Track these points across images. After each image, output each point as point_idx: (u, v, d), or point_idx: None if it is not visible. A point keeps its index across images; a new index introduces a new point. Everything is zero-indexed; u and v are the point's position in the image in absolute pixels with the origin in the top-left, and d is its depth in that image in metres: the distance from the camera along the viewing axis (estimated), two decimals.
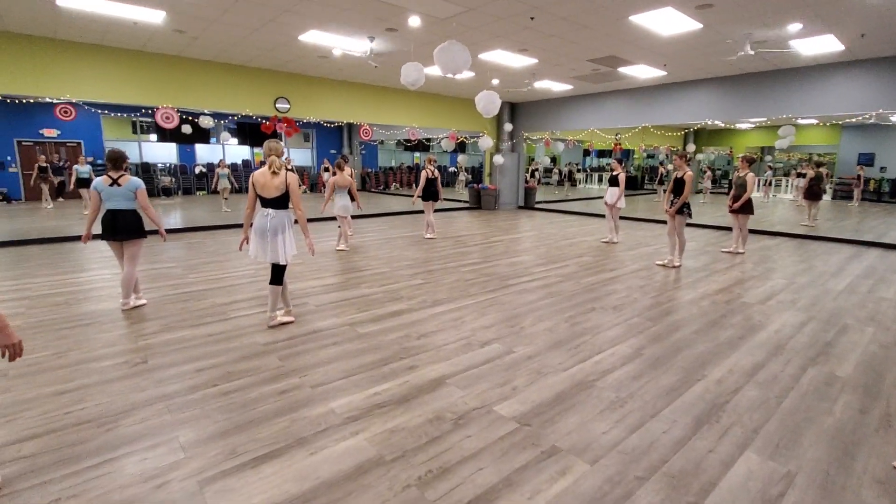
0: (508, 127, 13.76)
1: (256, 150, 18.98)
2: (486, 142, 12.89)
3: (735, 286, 5.51)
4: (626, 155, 28.75)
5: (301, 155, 21.12)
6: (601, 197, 8.25)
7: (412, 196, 8.58)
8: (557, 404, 2.76)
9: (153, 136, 17.32)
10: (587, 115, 12.73)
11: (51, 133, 14.66)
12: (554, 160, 26.84)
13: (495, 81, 10.71)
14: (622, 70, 9.40)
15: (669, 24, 6.43)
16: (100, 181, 4.22)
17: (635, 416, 2.64)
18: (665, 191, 6.65)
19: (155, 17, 6.37)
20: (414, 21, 6.39)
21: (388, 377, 3.08)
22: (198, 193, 17.27)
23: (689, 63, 8.83)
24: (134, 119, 16.57)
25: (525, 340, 3.75)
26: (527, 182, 15.09)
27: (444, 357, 3.41)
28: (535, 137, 16.09)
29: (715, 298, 5.00)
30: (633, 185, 23.89)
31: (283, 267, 3.93)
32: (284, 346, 3.57)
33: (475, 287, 5.33)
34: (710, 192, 18.80)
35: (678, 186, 6.27)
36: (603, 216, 8.87)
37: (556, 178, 22.99)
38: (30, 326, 3.94)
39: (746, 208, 7.26)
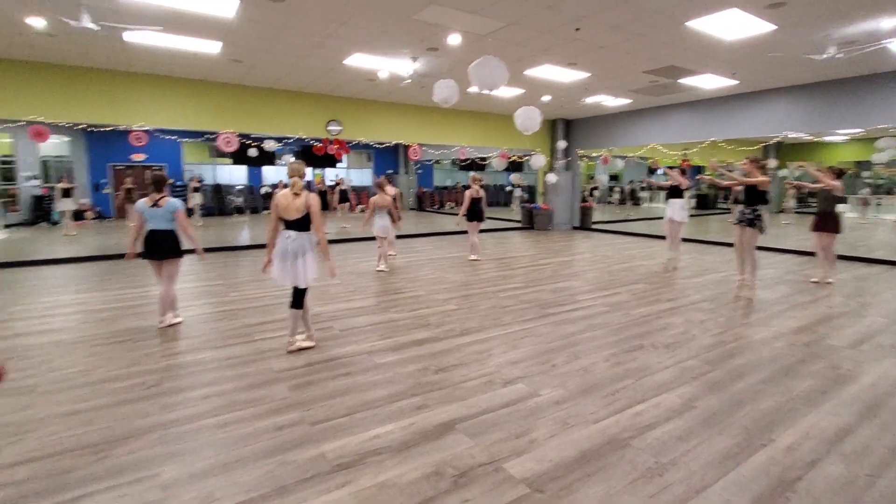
0: (562, 144, 13.28)
1: (317, 171, 19.83)
2: (539, 160, 12.48)
3: (819, 324, 4.70)
4: (697, 172, 26.85)
5: (363, 175, 21.82)
6: (662, 217, 7.40)
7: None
8: (580, 466, 2.35)
9: (229, 160, 18.65)
10: (648, 130, 11.95)
11: (139, 158, 16.20)
12: (616, 178, 25.63)
13: (546, 98, 10.35)
14: (685, 81, 8.70)
15: (735, 27, 5.81)
16: (142, 203, 4.40)
17: (676, 491, 2.17)
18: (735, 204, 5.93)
19: (213, 47, 6.75)
20: (454, 39, 6.27)
21: (393, 417, 2.82)
22: (263, 212, 18.28)
23: (763, 70, 7.98)
24: (210, 144, 17.93)
25: (555, 381, 3.34)
26: (584, 201, 14.40)
27: (460, 397, 3.09)
28: (593, 155, 15.39)
29: (792, 339, 4.26)
30: (705, 204, 22.19)
31: (304, 290, 3.84)
32: (296, 375, 3.42)
33: (510, 315, 4.96)
34: (795, 212, 16.91)
35: (751, 195, 5.53)
36: (664, 238, 8.06)
37: (617, 196, 21.92)
38: (72, 342, 4.12)
39: (833, 226, 6.30)
